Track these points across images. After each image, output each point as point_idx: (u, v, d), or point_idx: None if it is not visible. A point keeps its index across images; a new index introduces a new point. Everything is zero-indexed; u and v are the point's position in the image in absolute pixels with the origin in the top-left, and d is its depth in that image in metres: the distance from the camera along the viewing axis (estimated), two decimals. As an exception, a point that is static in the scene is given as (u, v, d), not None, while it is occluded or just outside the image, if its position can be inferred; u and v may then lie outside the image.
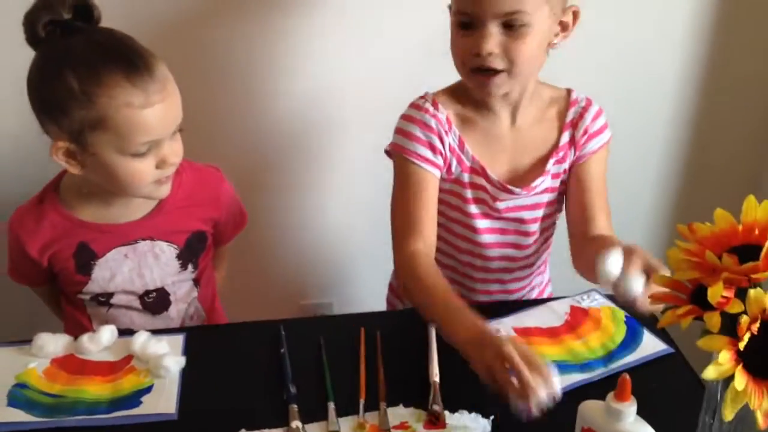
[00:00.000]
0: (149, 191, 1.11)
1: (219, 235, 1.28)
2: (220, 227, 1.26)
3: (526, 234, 1.22)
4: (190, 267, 1.23)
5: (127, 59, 1.02)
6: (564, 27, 1.11)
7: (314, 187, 1.63)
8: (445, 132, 1.16)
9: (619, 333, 1.10)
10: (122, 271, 1.18)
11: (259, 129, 1.56)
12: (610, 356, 1.05)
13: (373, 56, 1.50)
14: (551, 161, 1.19)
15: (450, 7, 1.11)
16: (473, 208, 1.20)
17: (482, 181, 1.18)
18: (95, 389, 0.99)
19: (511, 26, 1.04)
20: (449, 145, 1.17)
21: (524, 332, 1.10)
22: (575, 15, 1.10)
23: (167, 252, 1.20)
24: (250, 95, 1.51)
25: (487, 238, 1.22)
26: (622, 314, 1.14)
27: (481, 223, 1.21)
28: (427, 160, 1.16)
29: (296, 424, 0.92)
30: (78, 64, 1.00)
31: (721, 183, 1.79)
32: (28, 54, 1.05)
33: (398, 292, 1.38)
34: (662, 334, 1.09)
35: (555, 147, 1.19)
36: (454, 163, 1.18)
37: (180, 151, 1.10)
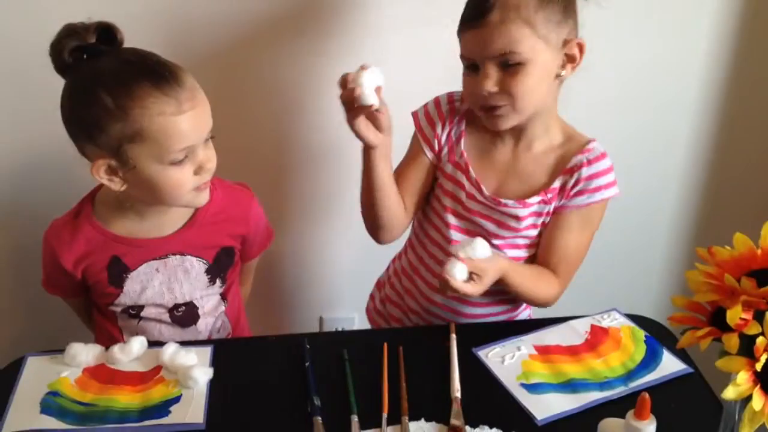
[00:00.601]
0: (190, 199, 1.13)
1: (246, 252, 1.29)
2: (248, 244, 1.28)
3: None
4: (218, 282, 1.25)
5: (155, 71, 1.04)
6: (571, 59, 1.12)
7: (339, 203, 1.65)
8: (451, 121, 1.22)
9: (639, 352, 1.11)
10: (153, 284, 1.20)
11: (286, 146, 1.58)
12: (629, 375, 1.06)
13: (405, 78, 1.49)
14: (536, 198, 1.18)
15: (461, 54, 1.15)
16: (447, 201, 1.23)
17: (463, 178, 1.21)
18: (125, 398, 1.01)
19: (508, 64, 1.08)
20: (448, 132, 1.22)
21: (544, 350, 1.12)
22: (580, 47, 1.11)
23: (197, 267, 1.22)
24: (279, 114, 1.54)
25: (453, 235, 1.23)
26: (641, 333, 1.15)
27: (451, 219, 1.23)
28: (426, 139, 1.23)
29: (320, 436, 0.95)
30: (109, 82, 1.03)
31: (741, 207, 1.78)
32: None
33: (375, 304, 1.42)
34: (682, 354, 1.09)
35: (544, 187, 1.18)
36: (446, 150, 1.23)
37: (214, 157, 1.12)
